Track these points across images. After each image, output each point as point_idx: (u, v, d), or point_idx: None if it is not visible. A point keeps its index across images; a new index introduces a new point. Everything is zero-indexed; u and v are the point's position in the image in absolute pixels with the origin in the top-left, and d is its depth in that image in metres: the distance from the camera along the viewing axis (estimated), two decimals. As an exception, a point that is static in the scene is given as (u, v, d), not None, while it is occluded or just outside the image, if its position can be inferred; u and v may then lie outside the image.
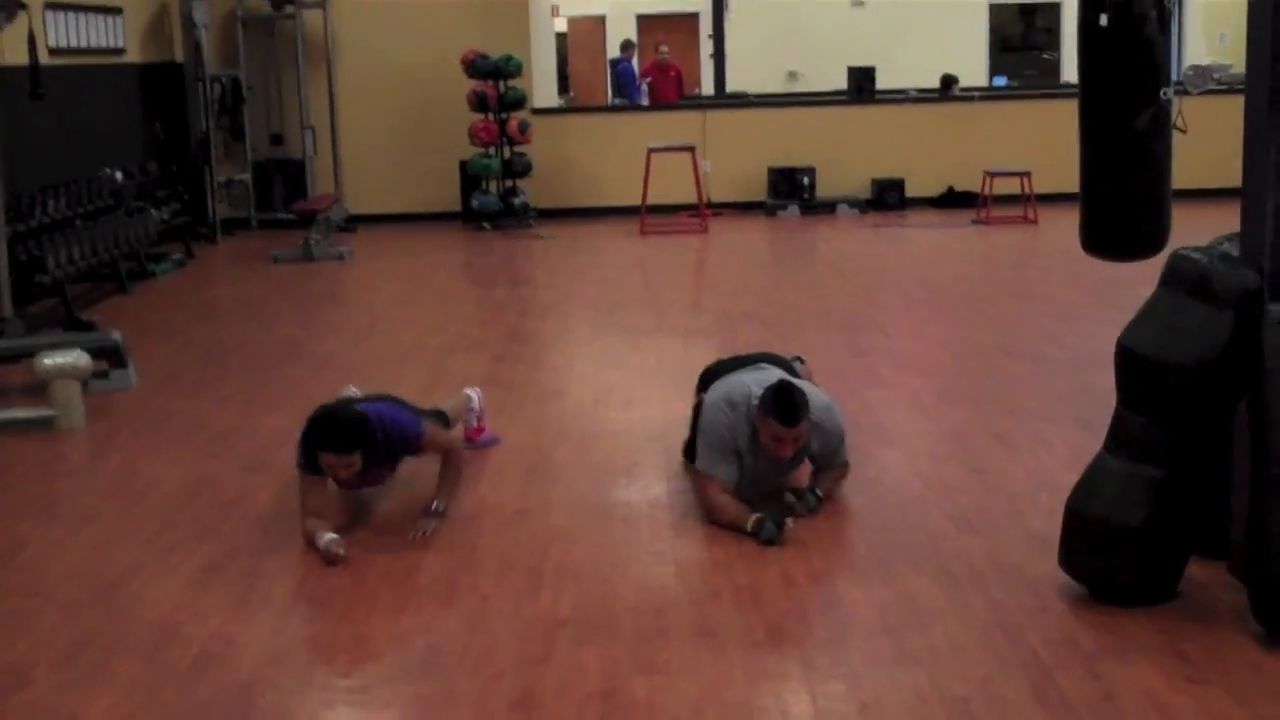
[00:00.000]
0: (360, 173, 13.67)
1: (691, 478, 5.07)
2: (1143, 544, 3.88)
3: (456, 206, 13.47)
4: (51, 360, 6.32)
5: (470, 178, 13.21)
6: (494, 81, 12.92)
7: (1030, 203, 12.46)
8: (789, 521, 4.55)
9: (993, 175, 12.64)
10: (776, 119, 14.15)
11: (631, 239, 12.26)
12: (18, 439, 6.07)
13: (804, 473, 5.03)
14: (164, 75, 12.70)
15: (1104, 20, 4.46)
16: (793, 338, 7.46)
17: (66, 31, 10.55)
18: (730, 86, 15.98)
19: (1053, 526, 4.23)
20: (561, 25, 19.77)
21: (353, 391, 5.98)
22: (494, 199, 13.11)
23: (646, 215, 12.55)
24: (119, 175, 10.70)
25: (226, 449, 5.88)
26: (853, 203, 13.59)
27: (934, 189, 13.77)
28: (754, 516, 4.56)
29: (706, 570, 4.35)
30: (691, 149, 12.75)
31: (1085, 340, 7.49)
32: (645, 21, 20.38)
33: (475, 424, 5.75)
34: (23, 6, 9.14)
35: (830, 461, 4.93)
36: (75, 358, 6.39)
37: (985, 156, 13.18)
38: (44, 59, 9.43)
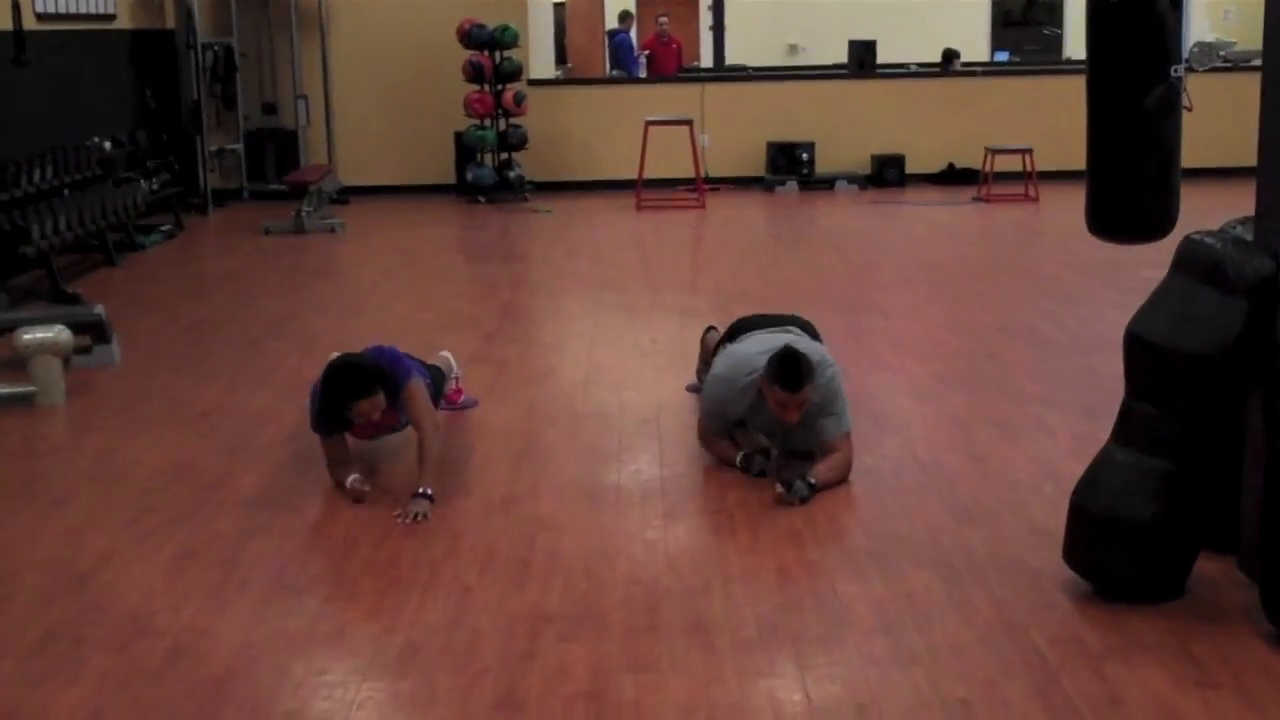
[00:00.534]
0: (354, 143, 13.48)
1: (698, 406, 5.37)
2: (1151, 539, 3.75)
3: (451, 179, 13.29)
4: (31, 336, 6.17)
5: (465, 149, 13.02)
6: (490, 52, 12.73)
7: (1032, 180, 12.30)
8: (773, 453, 4.89)
9: (994, 152, 12.47)
10: (776, 93, 13.95)
11: (627, 214, 12.09)
12: (-4, 416, 5.93)
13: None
14: (155, 42, 12.50)
15: (1114, -5, 4.33)
16: (790, 317, 7.31)
17: (54, -3, 10.36)
18: (730, 59, 15.78)
19: (1055, 518, 4.10)
20: (560, -5, 19.54)
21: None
22: (489, 171, 12.93)
23: (643, 190, 12.38)
24: (107, 144, 10.53)
25: (209, 429, 5.73)
26: (852, 179, 13.42)
27: (934, 165, 13.59)
28: (742, 453, 4.89)
29: (698, 561, 4.21)
30: (689, 123, 12.57)
31: (1086, 323, 7.35)
32: (644, -8, 20.14)
33: (455, 385, 5.85)
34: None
35: (829, 427, 4.84)
36: (56, 333, 6.23)
37: (986, 133, 13.01)
38: (31, 25, 9.25)
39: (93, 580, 4.14)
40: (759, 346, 5.01)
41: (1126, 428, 3.85)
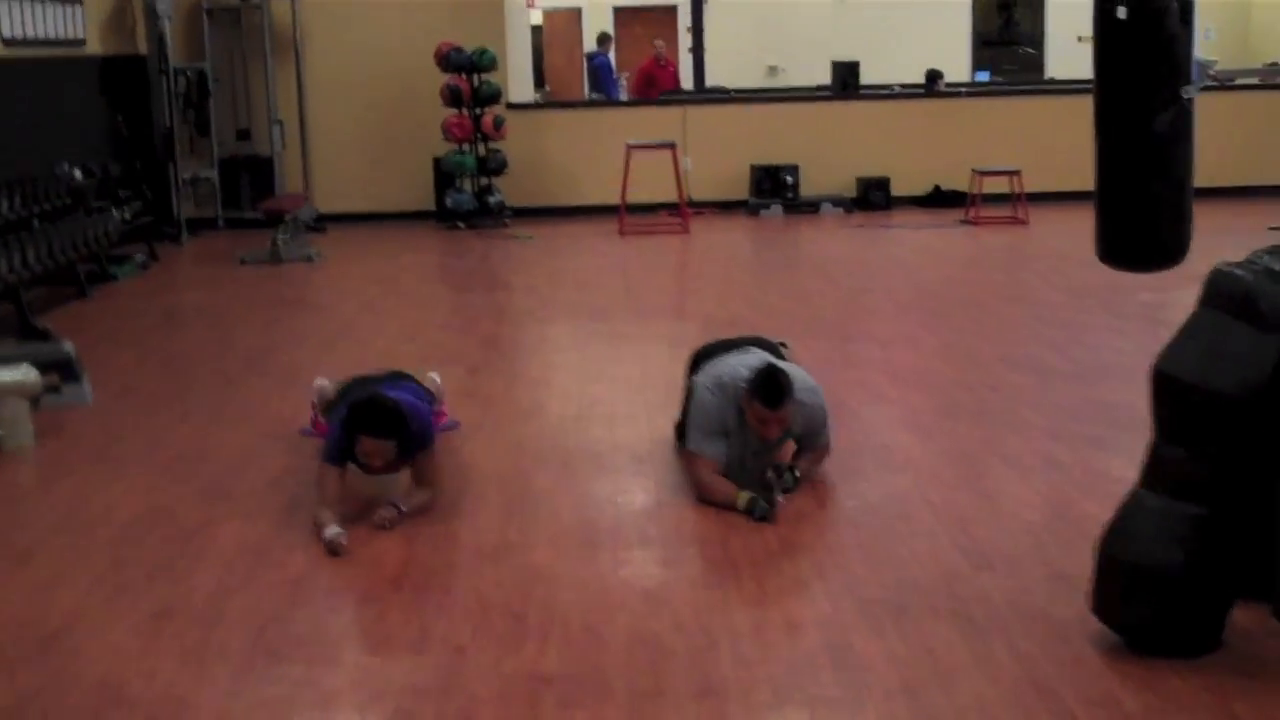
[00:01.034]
0: (330, 170, 13.25)
1: (683, 460, 5.17)
2: (1184, 589, 3.54)
3: (430, 205, 13.06)
4: (-4, 376, 5.92)
5: (444, 175, 12.81)
6: (468, 75, 12.53)
7: (1020, 202, 12.14)
8: (780, 498, 4.71)
9: (982, 174, 12.30)
10: (759, 115, 13.77)
11: (610, 239, 11.89)
12: (-40, 461, 5.67)
13: (786, 451, 5.04)
14: (126, 68, 12.24)
15: (1122, 13, 4.18)
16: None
17: (22, 21, 10.12)
18: (709, 82, 15.61)
19: (1074, 561, 3.91)
20: (537, 18, 19.36)
21: (323, 384, 5.76)
22: (468, 197, 12.72)
23: (626, 214, 12.18)
24: (78, 173, 10.25)
25: (186, 472, 5.48)
26: (837, 201, 13.25)
27: (920, 188, 13.43)
28: (746, 495, 4.71)
29: (702, 614, 3.98)
30: (672, 146, 12.38)
31: (1089, 350, 7.17)
32: (622, 14, 19.98)
33: (438, 408, 5.77)
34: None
35: (813, 443, 5.05)
36: (23, 374, 5.98)
37: (973, 154, 12.86)
38: (-2, 52, 9.01)
39: (61, 643, 3.89)
40: (738, 360, 5.04)
41: (1156, 471, 3.65)
